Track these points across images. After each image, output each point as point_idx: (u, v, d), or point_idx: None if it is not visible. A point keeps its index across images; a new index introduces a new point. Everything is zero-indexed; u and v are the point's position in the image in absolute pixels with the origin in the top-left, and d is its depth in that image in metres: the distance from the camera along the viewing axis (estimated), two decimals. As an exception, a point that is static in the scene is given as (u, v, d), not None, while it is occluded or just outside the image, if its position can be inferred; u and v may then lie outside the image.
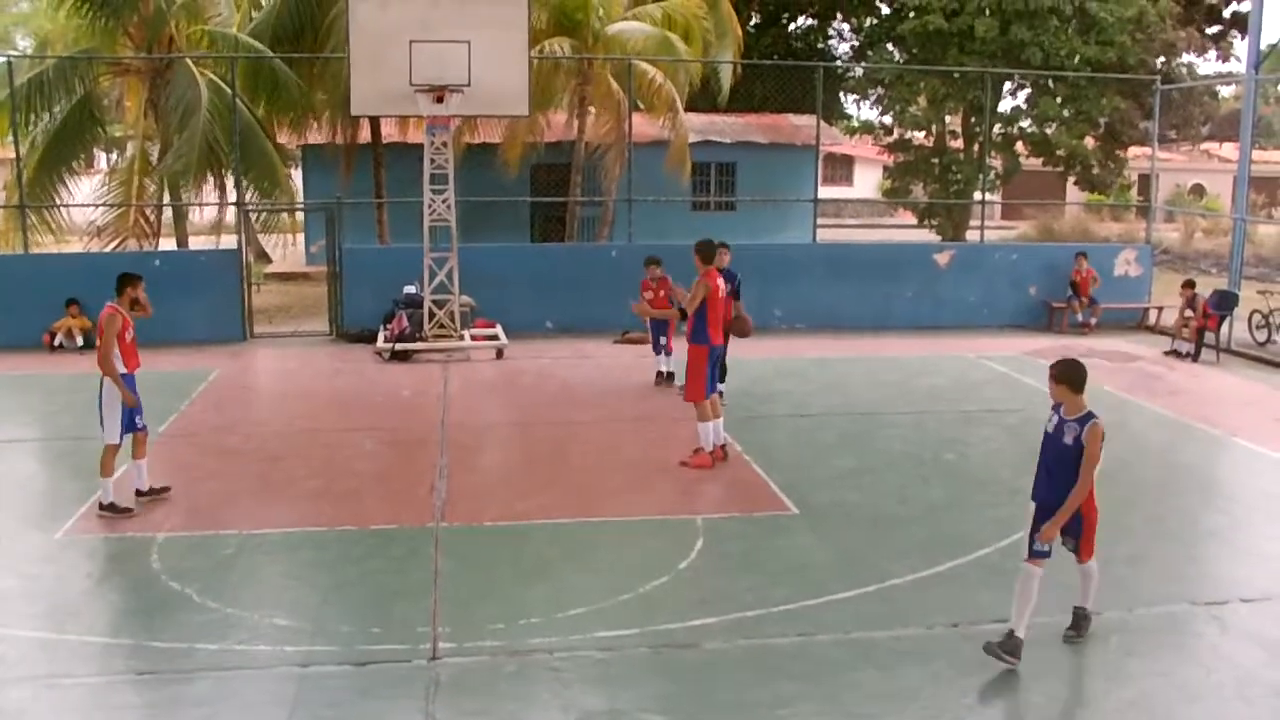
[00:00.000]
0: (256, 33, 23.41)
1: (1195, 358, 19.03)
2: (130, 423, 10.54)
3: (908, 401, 15.73)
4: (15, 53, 26.33)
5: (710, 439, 12.26)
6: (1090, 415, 7.62)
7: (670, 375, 15.98)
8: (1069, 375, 7.71)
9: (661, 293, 15.79)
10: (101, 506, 10.48)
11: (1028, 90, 36.39)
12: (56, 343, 19.04)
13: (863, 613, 8.46)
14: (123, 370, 10.41)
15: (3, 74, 21.67)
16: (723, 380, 13.70)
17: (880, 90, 36.61)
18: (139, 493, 10.72)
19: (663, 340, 16.24)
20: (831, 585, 8.88)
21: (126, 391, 10.40)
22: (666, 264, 16.00)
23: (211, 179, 24.19)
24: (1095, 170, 36.14)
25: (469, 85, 17.79)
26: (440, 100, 17.96)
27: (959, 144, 35.83)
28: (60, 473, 12.41)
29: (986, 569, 9.40)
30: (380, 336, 18.96)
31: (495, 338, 19.14)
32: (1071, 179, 37.31)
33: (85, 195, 23.97)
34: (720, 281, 12.45)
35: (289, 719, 6.90)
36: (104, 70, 23.87)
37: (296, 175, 29.99)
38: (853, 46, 42.42)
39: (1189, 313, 19.57)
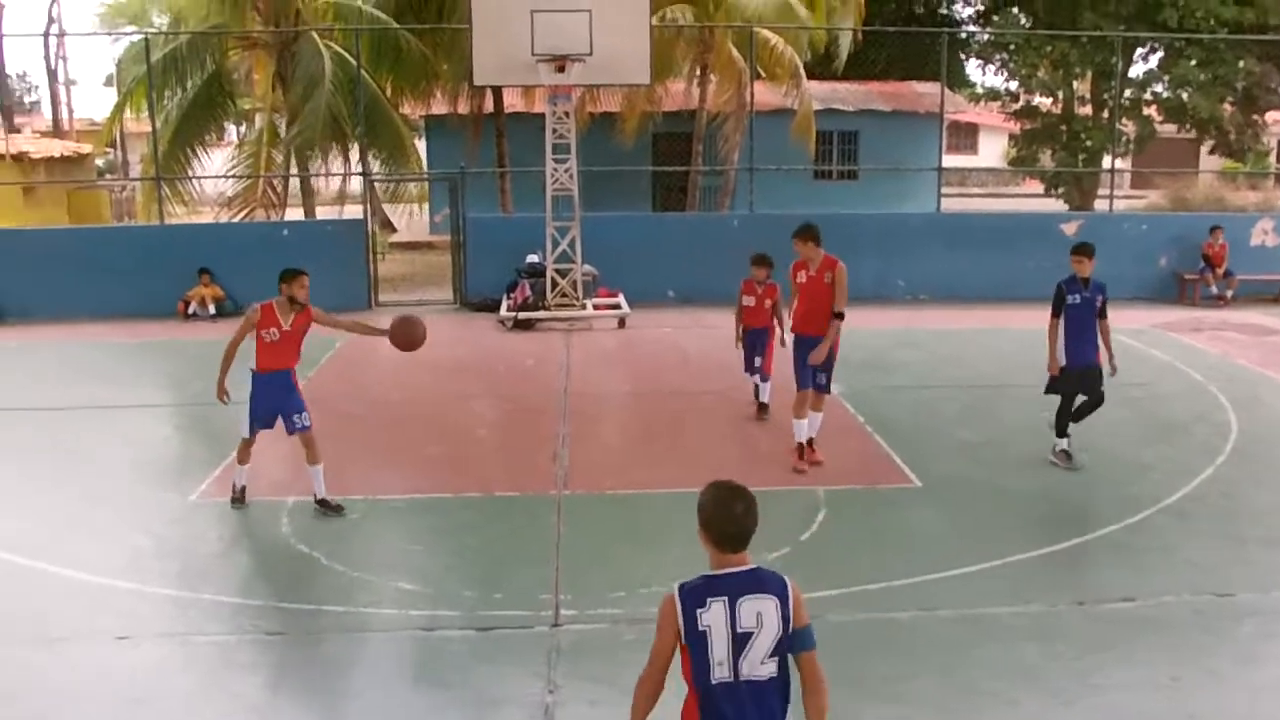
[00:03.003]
0: (381, 4, 23.72)
1: (1338, 331, 18.36)
2: (288, 422, 9.82)
3: (1031, 374, 15.28)
4: (152, 29, 26.92)
5: (797, 433, 11.16)
6: None
7: (764, 406, 13.03)
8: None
9: (767, 302, 12.73)
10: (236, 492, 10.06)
11: (1161, 54, 35.28)
12: (190, 310, 19.53)
13: (984, 588, 8.30)
14: (254, 367, 9.73)
15: (140, 51, 22.20)
16: (1086, 413, 11.39)
17: (1005, 55, 35.77)
18: (316, 500, 9.93)
19: (758, 361, 12.90)
20: (953, 560, 8.72)
21: (220, 383, 9.82)
22: (789, 231, 15.52)
23: (336, 150, 24.60)
24: (1232, 137, 34.93)
25: (590, 54, 17.81)
26: (562, 70, 18.00)
27: (1087, 110, 34.91)
28: (193, 437, 12.75)
29: (1111, 547, 9.17)
30: (503, 305, 19.12)
31: (617, 307, 19.19)
32: (1207, 147, 36.09)
33: (216, 167, 24.54)
34: (808, 270, 10.89)
35: (413, 681, 7.01)
36: (234, 45, 24.41)
37: (421, 146, 30.36)
38: (978, 11, 41.60)
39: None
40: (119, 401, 14.05)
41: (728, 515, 4.33)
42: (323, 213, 25.85)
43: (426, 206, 30.02)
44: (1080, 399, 11.27)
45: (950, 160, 34.25)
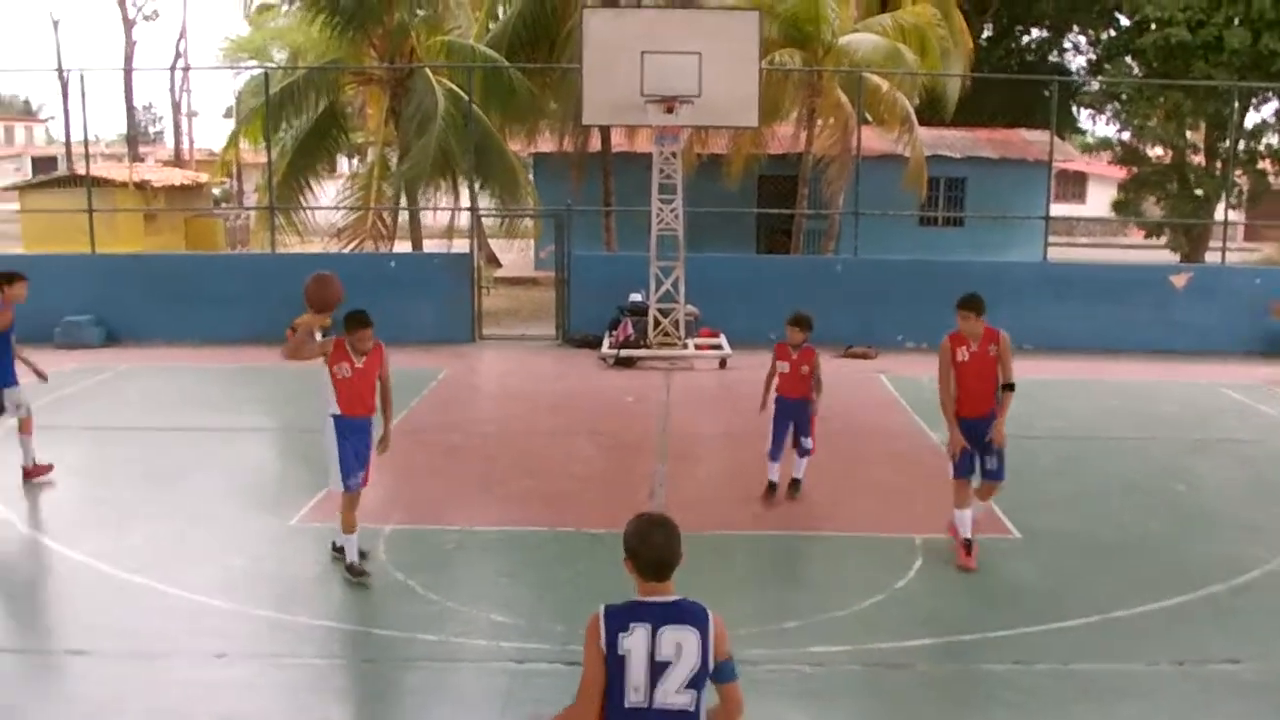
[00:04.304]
0: (493, 43, 24.07)
1: None
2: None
3: (1135, 427, 15.09)
4: (271, 64, 27.62)
5: (961, 527, 9.71)
6: None
7: (795, 483, 11.66)
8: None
9: (803, 368, 11.56)
10: (351, 571, 9.11)
11: (1276, 104, 34.45)
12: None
13: (1082, 644, 8.10)
14: (337, 411, 9.44)
15: (259, 84, 22.76)
16: None
17: (1116, 105, 35.20)
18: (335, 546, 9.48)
19: (805, 441, 11.57)
20: (1051, 614, 8.54)
21: (300, 333, 9.77)
22: (895, 281, 15.07)
23: (446, 184, 24.98)
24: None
25: (699, 96, 17.89)
26: (670, 111, 18.09)
27: (1199, 158, 34.20)
28: (295, 462, 12.91)
29: (1216, 607, 8.91)
30: (605, 342, 19.21)
31: (719, 347, 19.17)
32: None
33: (328, 199, 25.03)
34: (969, 345, 9.80)
35: (501, 713, 7.01)
36: (349, 80, 24.90)
37: (527, 182, 30.72)
38: (1089, 60, 41.09)
39: None
40: (225, 425, 14.35)
41: (648, 545, 4.41)
42: (430, 246, 26.22)
43: (532, 242, 30.36)
44: None
45: (1058, 209, 33.72)
